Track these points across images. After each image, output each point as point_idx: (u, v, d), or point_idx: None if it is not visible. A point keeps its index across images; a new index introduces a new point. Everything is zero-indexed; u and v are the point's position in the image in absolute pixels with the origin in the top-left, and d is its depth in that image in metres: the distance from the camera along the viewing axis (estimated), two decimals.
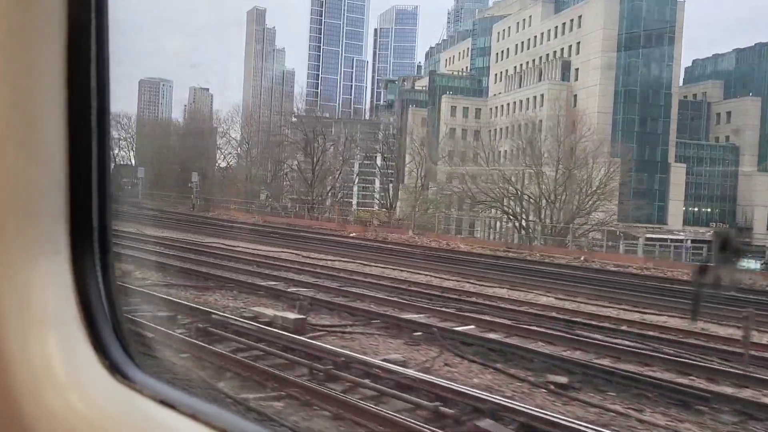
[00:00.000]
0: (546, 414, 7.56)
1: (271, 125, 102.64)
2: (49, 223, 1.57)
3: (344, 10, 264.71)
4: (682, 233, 71.37)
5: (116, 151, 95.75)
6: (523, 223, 46.42)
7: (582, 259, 28.41)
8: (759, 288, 23.56)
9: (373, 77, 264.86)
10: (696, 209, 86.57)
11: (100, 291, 1.67)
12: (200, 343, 10.65)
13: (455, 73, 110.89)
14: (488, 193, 48.75)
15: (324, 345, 10.86)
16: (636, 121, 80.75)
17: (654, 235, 65.15)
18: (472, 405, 7.78)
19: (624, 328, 13.88)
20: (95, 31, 1.59)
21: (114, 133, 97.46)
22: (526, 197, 47.10)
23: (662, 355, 11.14)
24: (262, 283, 17.64)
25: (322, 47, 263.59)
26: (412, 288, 17.88)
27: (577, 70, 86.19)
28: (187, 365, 9.34)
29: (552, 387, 9.33)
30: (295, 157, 66.79)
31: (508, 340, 12.05)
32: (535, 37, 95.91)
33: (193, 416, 1.45)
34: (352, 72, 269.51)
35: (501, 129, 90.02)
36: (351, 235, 39.98)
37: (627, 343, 12.10)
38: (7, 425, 1.53)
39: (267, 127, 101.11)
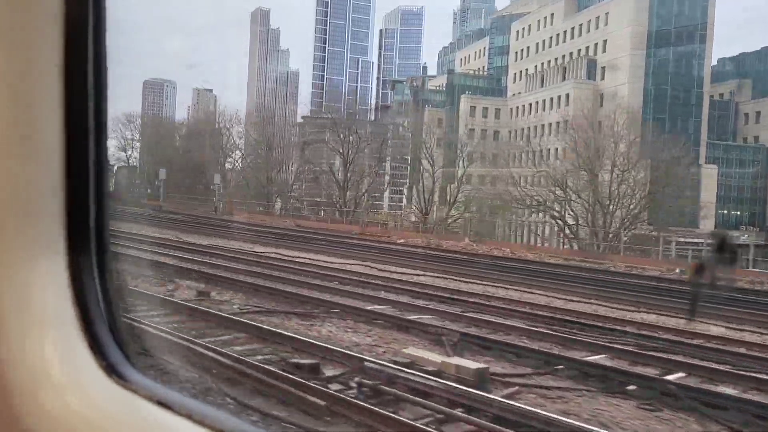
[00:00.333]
0: None
1: (286, 125, 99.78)
2: (46, 224, 1.56)
3: (349, 10, 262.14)
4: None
5: (129, 152, 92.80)
6: (575, 228, 43.45)
7: (677, 271, 25.46)
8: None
9: (378, 78, 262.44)
10: (725, 212, 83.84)
11: (97, 292, 1.66)
12: (383, 411, 7.65)
13: (473, 72, 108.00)
14: (534, 196, 45.78)
15: (544, 413, 7.90)
16: (666, 121, 77.87)
17: (685, 239, 62.41)
18: None
19: None
20: (93, 31, 1.57)
21: (127, 134, 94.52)
22: (577, 201, 44.15)
23: None
24: (368, 307, 14.67)
25: (327, 48, 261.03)
26: (553, 314, 14.92)
27: (603, 68, 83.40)
28: None
29: None
30: (322, 157, 63.84)
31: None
32: (558, 35, 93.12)
33: (190, 417, 1.44)
34: (358, 73, 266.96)
35: (523, 129, 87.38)
36: (400, 242, 37.03)
37: None
38: (3, 426, 1.51)
39: (285, 127, 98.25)
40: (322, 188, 67.19)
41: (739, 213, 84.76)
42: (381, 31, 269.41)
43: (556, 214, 45.11)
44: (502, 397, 8.64)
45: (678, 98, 78.28)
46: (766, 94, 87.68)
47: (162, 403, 1.48)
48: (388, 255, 27.11)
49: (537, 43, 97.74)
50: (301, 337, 11.24)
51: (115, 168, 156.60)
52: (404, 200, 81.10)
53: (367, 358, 9.81)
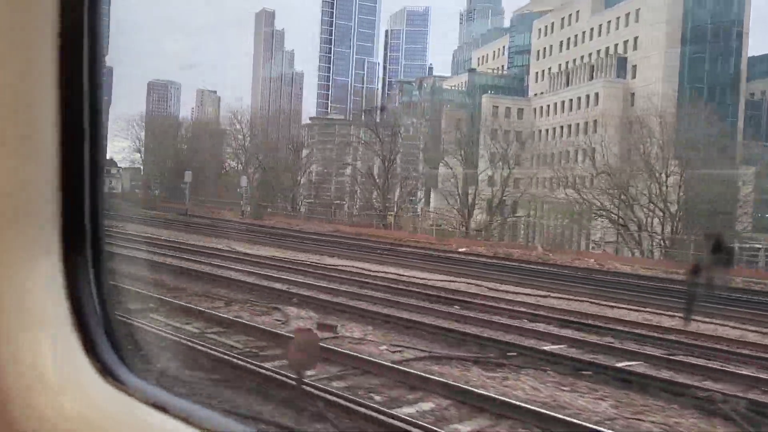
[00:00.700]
0: None
1: (305, 126, 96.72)
2: (41, 225, 1.56)
3: (355, 11, 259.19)
4: (758, 243, 65.60)
5: (145, 154, 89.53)
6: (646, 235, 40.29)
7: None
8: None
9: (383, 79, 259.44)
10: (759, 214, 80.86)
11: (92, 293, 1.64)
12: None
13: (494, 71, 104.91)
14: (593, 200, 42.63)
15: None
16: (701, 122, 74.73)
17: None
18: None
19: None
20: (88, 33, 1.57)
21: (143, 135, 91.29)
22: (645, 206, 40.96)
23: None
24: (543, 347, 11.61)
25: (333, 49, 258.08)
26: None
27: (634, 67, 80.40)
28: None
29: None
30: (357, 158, 60.67)
31: None
32: (584, 33, 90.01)
33: (185, 419, 1.43)
34: (363, 74, 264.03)
35: (548, 130, 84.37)
36: (462, 250, 33.93)
37: None
38: None
39: (301, 128, 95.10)
40: (352, 190, 64.07)
41: None
42: (386, 31, 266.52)
43: (620, 220, 42.01)
44: None
45: (714, 97, 75.18)
46: None
47: (157, 406, 1.46)
48: (472, 268, 24.07)
49: (561, 42, 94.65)
50: (520, 403, 8.16)
51: (120, 170, 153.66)
52: (429, 203, 77.87)
53: None
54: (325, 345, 10.80)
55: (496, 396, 8.41)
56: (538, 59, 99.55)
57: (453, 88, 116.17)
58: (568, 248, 37.67)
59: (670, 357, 11.26)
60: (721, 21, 74.52)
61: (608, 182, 42.83)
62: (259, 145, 71.12)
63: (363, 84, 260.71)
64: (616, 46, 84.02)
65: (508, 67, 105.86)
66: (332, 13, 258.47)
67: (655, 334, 13.17)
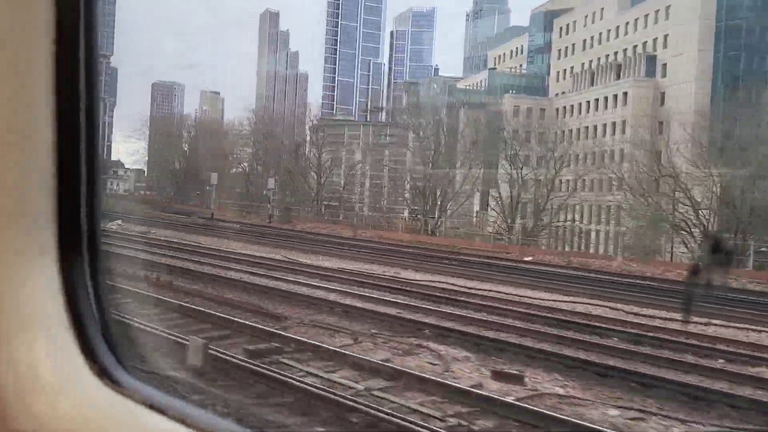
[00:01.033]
0: None
1: (322, 128, 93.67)
2: (37, 226, 1.55)
3: (361, 12, 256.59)
4: None
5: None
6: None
7: None
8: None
9: (389, 80, 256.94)
10: None
11: (89, 294, 1.63)
12: None
13: (514, 70, 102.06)
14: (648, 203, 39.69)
15: None
16: (737, 122, 71.98)
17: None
18: None
19: None
20: (84, 33, 1.56)
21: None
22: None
23: None
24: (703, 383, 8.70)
25: (338, 50, 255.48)
26: None
27: (664, 65, 77.55)
28: None
29: None
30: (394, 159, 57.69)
31: None
32: (609, 30, 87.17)
33: (183, 421, 1.42)
34: (369, 75, 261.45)
35: (573, 130, 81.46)
36: (527, 259, 31.02)
37: None
38: None
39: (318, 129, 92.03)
40: (376, 193, 61.02)
41: None
42: (392, 32, 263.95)
43: (687, 226, 39.05)
44: None
45: (750, 97, 72.33)
46: None
47: (155, 407, 1.44)
48: (574, 284, 21.12)
49: (584, 40, 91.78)
50: None
51: (128, 171, 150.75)
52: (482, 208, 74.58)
53: None
54: (526, 405, 7.91)
55: None
56: (559, 58, 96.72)
57: (468, 88, 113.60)
58: (647, 257, 34.41)
59: None
60: (757, 17, 71.72)
61: (672, 185, 39.90)
62: (279, 146, 68.17)
63: (368, 85, 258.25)
64: (644, 44, 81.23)
65: (528, 67, 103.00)
66: (337, 13, 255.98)
67: None
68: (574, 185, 52.93)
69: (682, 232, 38.46)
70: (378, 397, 8.30)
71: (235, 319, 12.26)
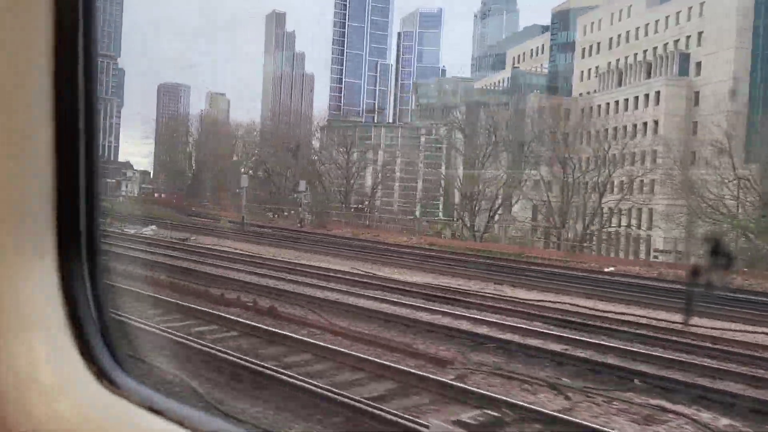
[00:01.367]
0: None
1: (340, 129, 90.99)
2: (35, 227, 1.54)
3: (368, 13, 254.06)
4: None
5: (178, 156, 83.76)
6: None
7: None
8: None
9: (396, 81, 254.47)
10: None
11: (88, 295, 1.62)
12: None
13: (536, 70, 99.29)
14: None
15: None
16: None
17: None
18: None
19: None
20: (83, 33, 1.55)
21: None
22: None
23: None
24: None
25: (345, 51, 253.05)
26: None
27: (698, 63, 74.83)
28: None
29: None
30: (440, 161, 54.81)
31: None
32: (638, 28, 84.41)
33: (181, 423, 1.41)
34: (376, 76, 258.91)
35: (599, 131, 78.60)
36: (608, 270, 28.27)
37: None
38: None
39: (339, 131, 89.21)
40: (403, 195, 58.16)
41: None
42: (399, 33, 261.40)
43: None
44: None
45: None
46: None
47: (154, 409, 1.43)
48: (704, 302, 18.36)
49: (610, 38, 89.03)
50: None
51: (136, 173, 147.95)
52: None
53: None
54: None
55: None
56: (583, 57, 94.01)
57: (486, 87, 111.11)
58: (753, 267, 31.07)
59: None
60: None
61: (748, 187, 37.12)
62: (301, 147, 65.37)
63: (376, 86, 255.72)
64: (675, 42, 78.50)
65: (550, 66, 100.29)
66: (344, 14, 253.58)
67: None
68: (628, 187, 49.92)
69: None
70: None
71: (397, 366, 9.53)
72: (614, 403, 8.68)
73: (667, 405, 8.56)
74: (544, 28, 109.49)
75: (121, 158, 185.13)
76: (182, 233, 36.10)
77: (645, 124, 75.27)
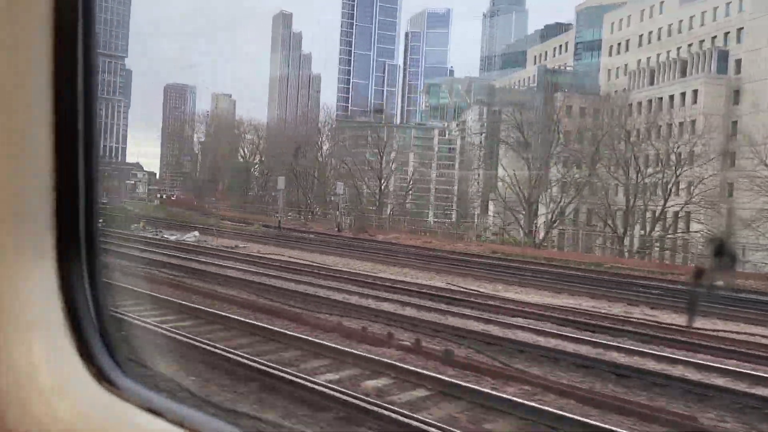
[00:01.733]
0: None
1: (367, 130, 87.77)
2: (35, 228, 1.53)
3: (376, 13, 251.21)
4: None
5: (196, 157, 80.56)
6: None
7: None
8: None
9: (403, 81, 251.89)
10: None
11: (87, 296, 1.62)
12: None
13: (564, 67, 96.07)
14: None
15: None
16: None
17: None
18: None
19: None
20: (83, 33, 1.54)
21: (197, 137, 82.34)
22: None
23: None
24: None
25: (353, 51, 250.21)
26: None
27: (738, 61, 71.74)
28: None
29: None
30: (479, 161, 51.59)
31: None
32: (670, 25, 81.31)
33: (181, 423, 1.40)
34: (384, 77, 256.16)
35: (634, 130, 75.54)
36: (719, 283, 25.08)
37: None
38: None
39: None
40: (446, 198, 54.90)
41: None
42: (407, 33, 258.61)
43: None
44: None
45: None
46: None
47: (153, 410, 1.43)
48: None
49: (640, 35, 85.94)
50: None
51: (146, 174, 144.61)
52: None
53: None
54: None
55: None
56: (610, 55, 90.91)
57: (507, 87, 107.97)
58: None
59: None
60: None
61: None
62: (335, 147, 62.13)
63: (383, 87, 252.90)
64: (713, 38, 75.37)
65: (575, 65, 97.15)
66: (352, 14, 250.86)
67: None
68: (693, 189, 46.64)
69: None
70: None
71: None
72: None
73: None
74: (566, 26, 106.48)
75: (129, 159, 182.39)
76: (226, 239, 32.99)
77: (681, 123, 72.16)
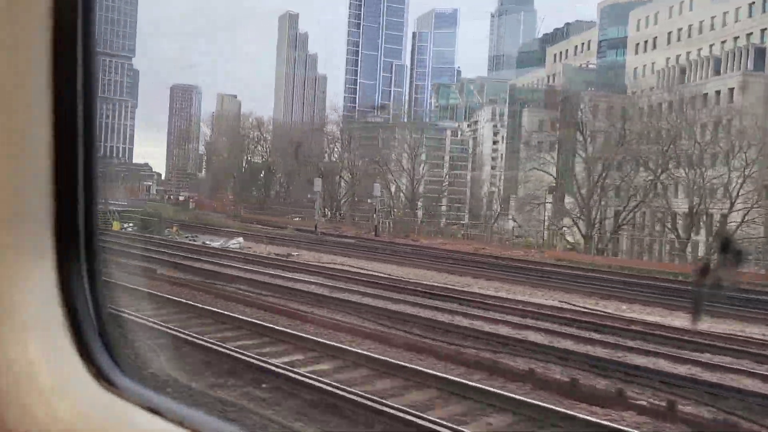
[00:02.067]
0: None
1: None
2: (34, 227, 1.53)
3: (383, 13, 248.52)
4: None
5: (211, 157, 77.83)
6: None
7: None
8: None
9: (411, 82, 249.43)
10: None
11: (86, 296, 1.61)
12: None
13: (588, 65, 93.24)
14: None
15: None
16: None
17: None
18: None
19: None
20: (82, 35, 1.54)
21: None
22: None
23: None
24: None
25: (360, 51, 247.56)
26: None
27: None
28: None
29: None
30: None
31: None
32: (702, 22, 78.60)
33: (180, 422, 1.40)
34: (391, 77, 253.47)
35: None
36: None
37: None
38: None
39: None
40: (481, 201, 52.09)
41: None
42: (414, 34, 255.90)
43: None
44: None
45: None
46: None
47: (153, 410, 1.42)
48: None
49: (669, 32, 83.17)
50: None
51: (156, 176, 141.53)
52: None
53: None
54: None
55: None
56: (636, 53, 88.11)
57: (525, 86, 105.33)
58: None
59: None
60: None
61: None
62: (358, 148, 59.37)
63: (391, 87, 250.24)
64: (748, 35, 72.66)
65: (599, 63, 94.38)
66: (359, 14, 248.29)
67: None
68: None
69: None
70: None
71: None
72: None
73: None
74: (588, 24, 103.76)
75: (136, 160, 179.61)
76: (273, 247, 30.26)
77: (715, 123, 69.46)
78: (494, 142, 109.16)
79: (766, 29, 70.72)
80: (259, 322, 11.93)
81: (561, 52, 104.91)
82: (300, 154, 62.47)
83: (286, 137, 72.86)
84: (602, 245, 39.19)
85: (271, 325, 11.62)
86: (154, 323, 10.40)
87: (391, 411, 7.09)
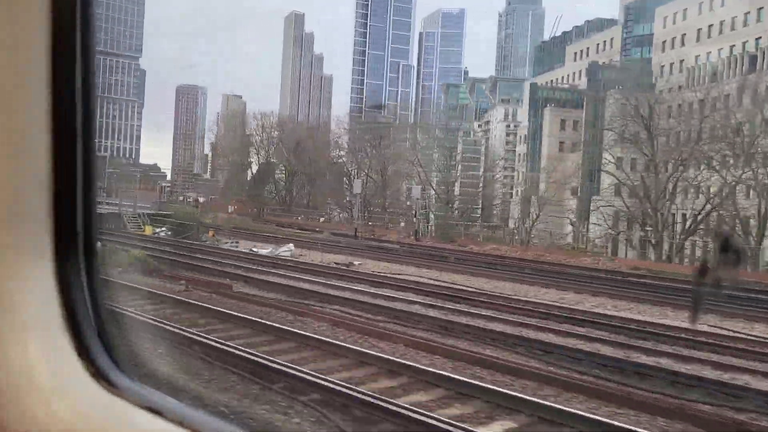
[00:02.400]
0: None
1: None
2: (33, 226, 1.53)
3: (390, 13, 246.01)
4: None
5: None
6: None
7: None
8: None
9: (417, 82, 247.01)
10: None
11: (85, 296, 1.61)
12: None
13: (613, 62, 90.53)
14: None
15: None
16: None
17: None
18: None
19: None
20: (81, 35, 1.53)
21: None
22: None
23: None
24: None
25: (367, 52, 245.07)
26: None
27: None
28: None
29: None
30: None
31: None
32: (734, 18, 75.99)
33: (180, 422, 1.39)
34: (398, 77, 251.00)
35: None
36: None
37: None
38: None
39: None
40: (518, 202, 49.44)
41: None
42: (420, 34, 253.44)
43: None
44: None
45: None
46: None
47: (152, 409, 1.42)
48: None
49: (699, 29, 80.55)
50: None
51: (166, 178, 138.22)
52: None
53: None
54: None
55: None
56: (663, 51, 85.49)
57: (548, 85, 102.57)
58: None
59: None
60: None
61: None
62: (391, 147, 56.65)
63: (398, 87, 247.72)
64: None
65: (625, 61, 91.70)
66: (366, 14, 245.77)
67: None
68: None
69: None
70: None
71: None
72: None
73: None
74: (609, 22, 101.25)
75: (142, 160, 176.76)
76: (329, 254, 27.62)
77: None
78: (507, 143, 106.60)
79: None
80: (408, 363, 9.26)
81: (582, 51, 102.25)
82: (323, 155, 60.16)
83: (293, 136, 70.47)
84: (671, 252, 36.53)
85: (443, 372, 8.93)
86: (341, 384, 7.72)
87: None
